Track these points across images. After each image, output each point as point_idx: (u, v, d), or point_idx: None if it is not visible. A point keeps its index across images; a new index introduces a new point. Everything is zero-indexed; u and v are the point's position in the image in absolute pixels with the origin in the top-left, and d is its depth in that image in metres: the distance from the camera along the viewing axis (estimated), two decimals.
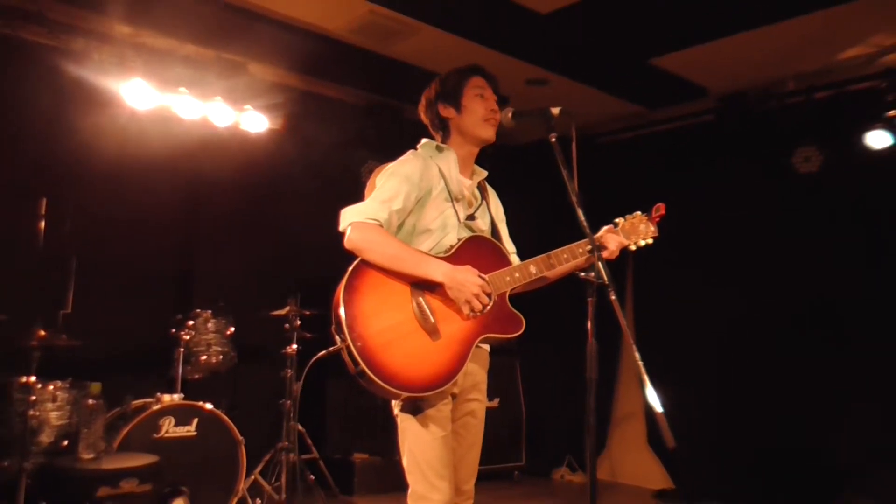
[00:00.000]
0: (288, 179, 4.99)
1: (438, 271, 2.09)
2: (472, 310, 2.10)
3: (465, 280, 2.09)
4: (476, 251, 2.22)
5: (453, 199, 2.26)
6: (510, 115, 2.27)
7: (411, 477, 2.09)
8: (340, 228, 2.15)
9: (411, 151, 2.32)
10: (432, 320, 2.08)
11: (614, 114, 5.47)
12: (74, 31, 4.10)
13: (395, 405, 2.16)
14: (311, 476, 4.25)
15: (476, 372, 2.26)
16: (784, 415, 4.50)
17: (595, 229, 2.28)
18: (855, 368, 4.25)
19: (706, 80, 4.85)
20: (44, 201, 3.66)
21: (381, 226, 2.12)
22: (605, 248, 2.31)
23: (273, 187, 4.94)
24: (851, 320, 4.35)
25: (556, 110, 2.13)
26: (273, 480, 4.16)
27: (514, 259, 2.36)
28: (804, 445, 4.42)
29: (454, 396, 2.19)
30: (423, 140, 2.38)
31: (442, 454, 2.08)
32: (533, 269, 2.22)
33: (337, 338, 2.04)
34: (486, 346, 2.30)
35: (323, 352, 2.12)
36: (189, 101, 4.38)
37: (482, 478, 2.30)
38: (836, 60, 4.44)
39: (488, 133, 2.31)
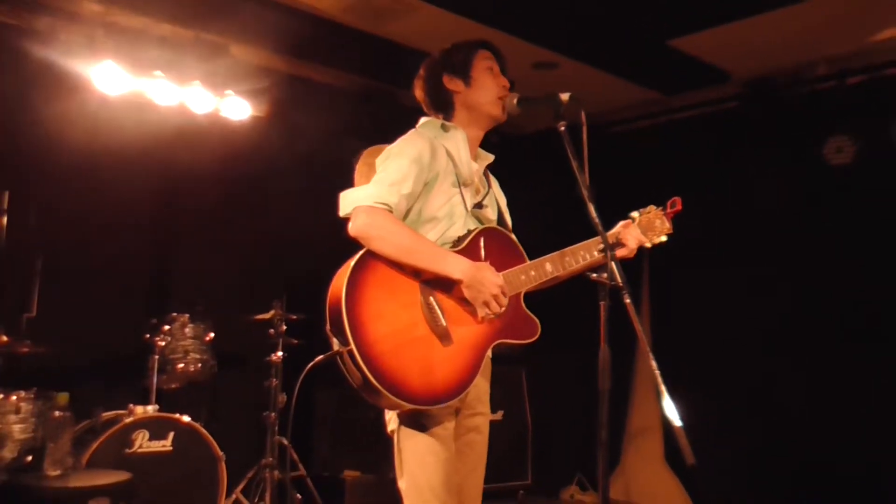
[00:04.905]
0: (273, 171, 4.98)
1: (457, 268, 2.05)
2: (490, 312, 2.08)
3: (485, 279, 2.05)
4: (490, 245, 2.18)
5: (461, 184, 2.23)
6: (515, 101, 2.27)
7: (409, 502, 2.06)
8: (342, 214, 2.09)
9: (413, 131, 2.29)
10: (443, 323, 2.03)
11: (629, 100, 5.47)
12: (39, 8, 4.09)
13: (392, 420, 2.12)
14: (298, 495, 4.26)
15: (479, 382, 2.20)
16: (818, 430, 4.47)
17: (607, 226, 2.28)
18: None
19: (729, 63, 4.85)
20: (6, 195, 3.68)
21: (391, 211, 2.06)
22: (622, 245, 2.33)
23: (257, 180, 4.93)
24: (891, 325, 4.33)
25: (565, 96, 2.12)
26: (256, 500, 4.16)
27: None
28: (847, 464, 4.36)
29: (457, 411, 2.16)
30: (423, 119, 2.36)
31: (446, 477, 2.05)
32: (549, 266, 2.22)
33: (334, 340, 1.96)
34: (489, 353, 2.27)
35: (321, 356, 2.01)
36: (165, 86, 4.37)
37: (483, 498, 2.27)
38: (871, 42, 4.44)
39: (499, 111, 2.29)
